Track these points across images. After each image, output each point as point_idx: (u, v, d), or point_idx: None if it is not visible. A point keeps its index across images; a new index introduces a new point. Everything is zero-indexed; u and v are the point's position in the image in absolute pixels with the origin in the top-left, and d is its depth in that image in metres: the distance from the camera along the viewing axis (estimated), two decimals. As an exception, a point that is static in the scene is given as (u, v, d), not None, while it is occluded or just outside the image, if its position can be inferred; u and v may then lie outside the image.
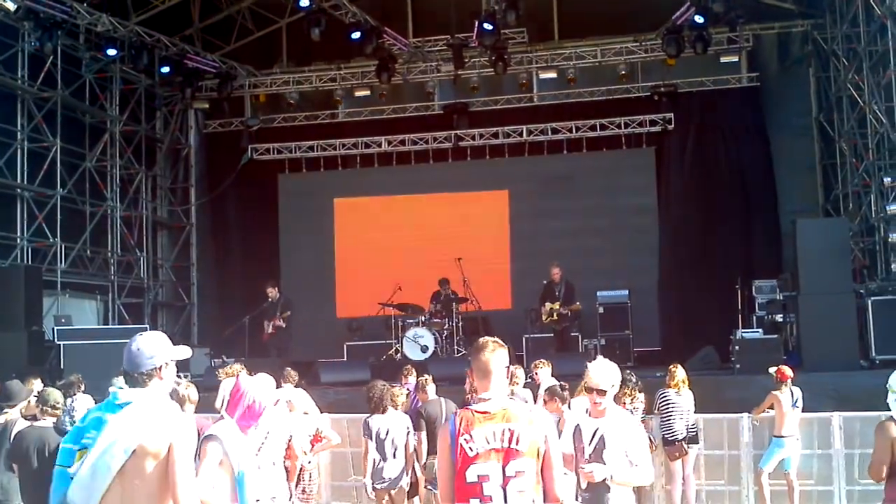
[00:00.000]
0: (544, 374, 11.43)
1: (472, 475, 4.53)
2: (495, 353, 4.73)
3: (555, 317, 17.54)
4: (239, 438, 5.67)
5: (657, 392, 11.20)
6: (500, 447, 4.55)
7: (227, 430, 5.59)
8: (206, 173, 23.78)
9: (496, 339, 4.84)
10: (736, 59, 21.01)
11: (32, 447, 7.92)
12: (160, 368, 4.61)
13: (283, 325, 17.68)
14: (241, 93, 23.09)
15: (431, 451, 9.94)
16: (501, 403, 4.68)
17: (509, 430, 4.57)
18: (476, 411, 4.65)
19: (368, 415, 9.40)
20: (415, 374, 11.98)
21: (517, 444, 4.55)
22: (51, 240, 18.51)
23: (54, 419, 8.25)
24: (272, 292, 17.99)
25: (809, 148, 20.57)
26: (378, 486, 9.17)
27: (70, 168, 19.33)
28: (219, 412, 5.95)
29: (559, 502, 4.63)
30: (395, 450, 9.19)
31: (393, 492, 9.21)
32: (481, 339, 4.86)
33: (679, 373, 11.20)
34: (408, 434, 9.40)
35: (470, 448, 4.55)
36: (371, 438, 9.24)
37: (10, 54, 17.79)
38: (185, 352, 4.82)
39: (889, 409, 6.27)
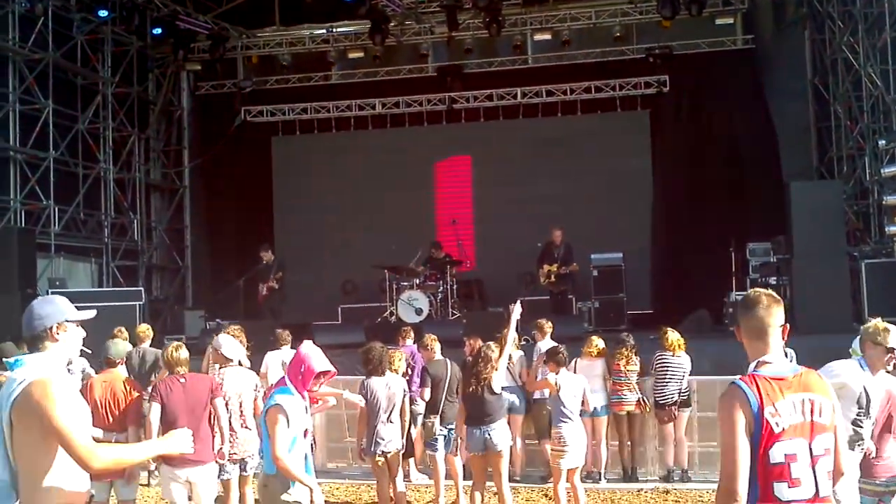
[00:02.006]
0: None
1: (778, 455, 3.88)
2: (770, 309, 4.11)
3: (552, 279, 17.58)
4: (299, 406, 6.12)
5: (655, 354, 11.26)
6: (803, 421, 3.93)
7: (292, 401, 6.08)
8: (199, 135, 23.71)
9: (770, 292, 4.22)
10: (731, 21, 20.97)
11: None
12: (51, 330, 4.35)
13: (276, 287, 17.72)
14: (233, 54, 22.98)
15: (431, 410, 10.00)
16: (790, 368, 4.08)
17: (809, 399, 3.96)
18: (770, 378, 3.99)
19: (365, 377, 9.39)
20: (412, 335, 12.02)
21: (820, 415, 3.96)
22: (44, 202, 18.45)
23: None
24: (266, 255, 18.02)
25: (804, 111, 20.50)
26: (374, 449, 9.20)
27: (63, 130, 19.22)
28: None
29: (843, 475, 4.14)
30: (391, 412, 9.22)
31: (389, 454, 9.24)
32: (752, 293, 4.22)
33: (672, 335, 11.26)
34: (404, 396, 9.43)
35: (776, 423, 3.88)
36: (367, 401, 9.25)
37: (1, 16, 17.61)
38: (83, 313, 4.55)
39: None
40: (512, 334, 9.28)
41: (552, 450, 9.42)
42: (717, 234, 19.46)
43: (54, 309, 4.43)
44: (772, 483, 3.88)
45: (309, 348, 6.46)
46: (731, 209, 20.26)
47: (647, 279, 20.52)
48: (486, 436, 8.77)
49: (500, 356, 8.97)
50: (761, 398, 3.91)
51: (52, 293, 16.36)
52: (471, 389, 8.91)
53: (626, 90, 21.35)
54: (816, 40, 20.28)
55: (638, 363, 11.33)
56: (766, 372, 4.01)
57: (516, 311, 9.18)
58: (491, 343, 9.16)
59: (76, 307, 4.54)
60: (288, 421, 6.01)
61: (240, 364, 8.98)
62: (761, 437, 3.89)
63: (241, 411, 8.54)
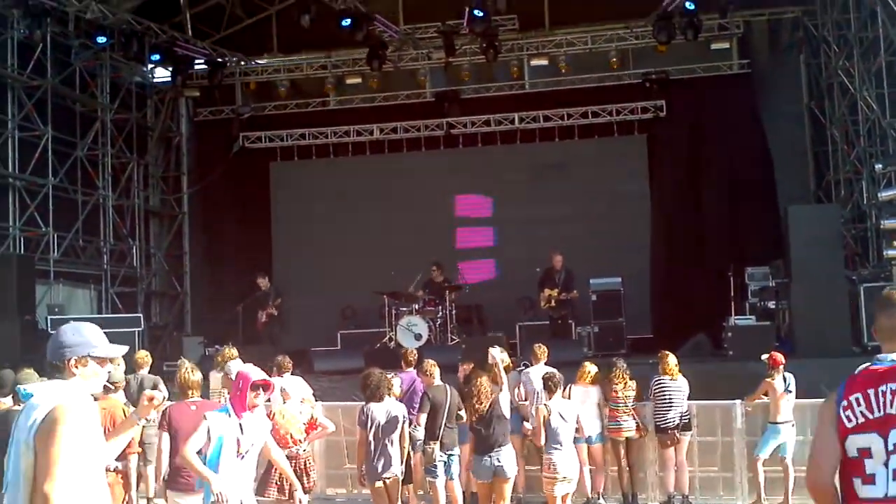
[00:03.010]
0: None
1: (851, 448, 3.74)
2: None
3: (553, 304, 17.58)
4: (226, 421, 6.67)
5: (652, 379, 11.25)
6: (882, 414, 3.71)
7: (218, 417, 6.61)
8: (197, 162, 23.75)
9: None
10: (727, 45, 21.06)
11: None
12: (69, 362, 4.21)
13: (275, 314, 17.75)
14: (231, 81, 23.02)
15: (430, 437, 9.98)
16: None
17: (892, 390, 3.71)
18: (871, 370, 3.83)
19: (364, 403, 9.38)
20: (416, 357, 12.00)
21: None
22: (43, 229, 18.45)
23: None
24: (263, 282, 18.08)
25: (801, 135, 20.58)
26: (374, 476, 9.18)
27: (61, 157, 19.25)
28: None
29: None
30: (391, 437, 9.19)
31: (388, 480, 9.22)
32: (890, 292, 4.02)
33: (671, 359, 11.27)
34: (403, 422, 9.41)
35: (847, 417, 3.76)
36: (366, 427, 9.23)
37: None
38: (112, 348, 4.39)
39: None
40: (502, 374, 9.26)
41: (545, 477, 9.37)
42: (715, 258, 19.53)
43: (80, 340, 4.27)
44: (851, 479, 3.73)
45: (243, 366, 7.02)
46: (730, 233, 20.31)
47: (647, 303, 20.48)
48: (497, 463, 8.79)
49: (498, 383, 9.00)
50: (846, 391, 3.79)
51: (51, 319, 16.40)
52: (475, 418, 8.92)
53: (623, 115, 21.40)
54: (812, 64, 20.39)
55: (634, 388, 11.31)
56: (873, 365, 3.85)
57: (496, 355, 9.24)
58: (483, 378, 9.12)
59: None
60: (209, 432, 6.51)
61: None
62: (837, 430, 3.76)
63: None
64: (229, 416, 6.56)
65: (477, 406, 8.88)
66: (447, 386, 10.31)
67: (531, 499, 11.46)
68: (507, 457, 8.83)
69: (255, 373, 6.77)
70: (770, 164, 20.26)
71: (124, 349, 4.53)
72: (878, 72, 16.51)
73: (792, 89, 20.65)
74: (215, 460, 6.46)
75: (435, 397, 9.96)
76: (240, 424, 6.53)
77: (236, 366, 8.88)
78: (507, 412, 8.94)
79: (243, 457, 6.55)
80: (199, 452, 6.54)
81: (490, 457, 8.78)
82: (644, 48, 21.19)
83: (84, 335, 4.29)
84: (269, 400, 7.37)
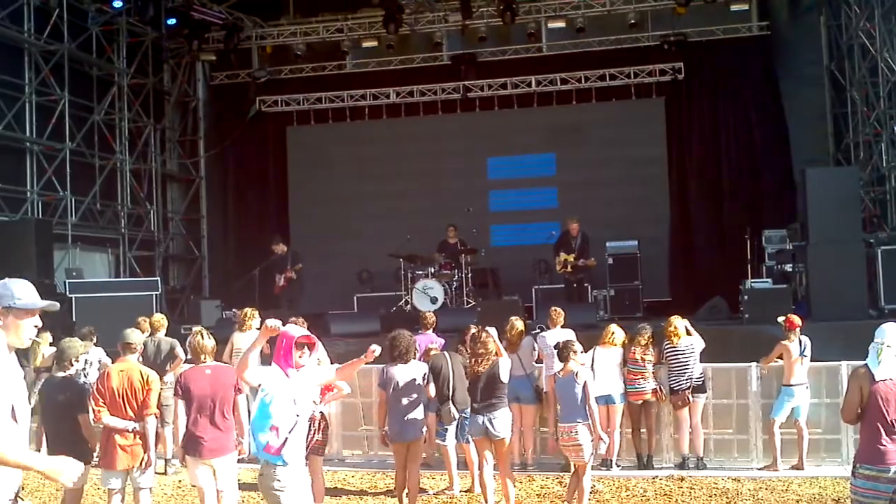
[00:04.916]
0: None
1: None
2: None
3: (569, 268, 17.57)
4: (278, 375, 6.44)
5: (663, 343, 11.26)
6: None
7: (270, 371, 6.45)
8: (214, 126, 23.79)
9: None
10: (746, 7, 20.84)
11: (50, 397, 8.09)
12: None
13: (295, 278, 17.85)
14: (247, 44, 22.97)
15: (442, 400, 10.02)
16: None
17: None
18: None
19: (388, 364, 9.39)
20: (434, 321, 12.08)
21: None
22: (61, 193, 18.54)
23: (70, 371, 8.39)
24: (278, 247, 18.14)
25: (820, 97, 20.42)
26: (396, 436, 9.25)
27: (78, 121, 19.30)
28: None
29: None
30: (415, 399, 9.24)
31: (411, 442, 9.27)
32: None
33: (676, 322, 11.25)
34: (428, 383, 9.46)
35: None
36: (389, 388, 9.27)
37: (16, 7, 17.65)
38: (39, 304, 4.29)
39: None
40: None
41: (562, 446, 9.25)
42: (733, 221, 19.51)
43: (2, 293, 4.23)
44: None
45: (286, 327, 6.60)
46: (747, 196, 20.24)
47: (664, 267, 20.48)
48: (488, 423, 8.84)
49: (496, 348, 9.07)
50: None
51: (69, 283, 16.53)
52: (471, 377, 9.03)
53: (640, 77, 21.26)
54: (832, 26, 20.19)
55: (652, 353, 11.30)
56: None
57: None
58: (486, 339, 9.14)
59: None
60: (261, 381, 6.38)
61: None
62: None
63: None
64: (272, 367, 6.40)
65: (475, 367, 8.96)
66: (444, 353, 10.40)
67: (545, 460, 11.51)
68: (500, 419, 8.88)
69: (297, 330, 6.54)
70: (789, 126, 20.12)
71: (52, 305, 4.38)
72: (900, 33, 16.35)
73: (812, 51, 20.48)
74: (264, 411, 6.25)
75: (434, 364, 10.00)
76: (292, 386, 6.31)
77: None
78: (505, 378, 8.97)
79: (298, 417, 6.31)
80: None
81: (483, 416, 8.86)
82: (663, 10, 21.03)
83: (9, 288, 4.24)
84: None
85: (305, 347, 6.44)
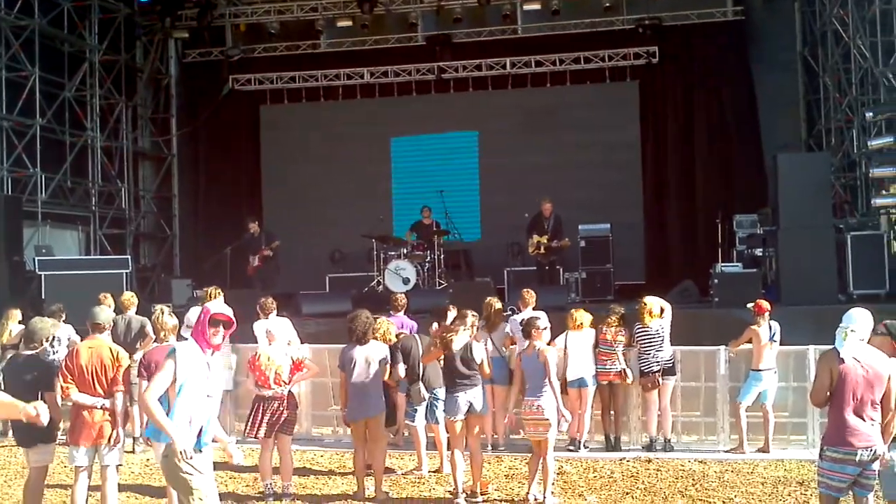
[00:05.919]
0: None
1: None
2: None
3: (542, 250, 17.60)
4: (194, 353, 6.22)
5: (634, 325, 11.31)
6: None
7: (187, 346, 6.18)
8: (186, 104, 23.61)
9: None
10: (721, -9, 20.86)
11: (15, 375, 8.02)
12: None
13: (271, 255, 17.80)
14: (221, 22, 22.81)
15: (412, 381, 10.05)
16: None
17: None
18: None
19: (348, 345, 9.40)
20: (405, 303, 12.07)
21: None
22: (31, 170, 18.37)
23: (38, 349, 8.33)
24: (253, 226, 18.08)
25: (793, 83, 20.50)
26: (353, 415, 9.27)
27: (49, 98, 19.13)
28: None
29: None
30: (373, 378, 9.24)
31: (369, 419, 9.27)
32: None
33: (649, 304, 11.28)
34: (385, 363, 9.45)
35: None
36: (346, 368, 9.28)
37: (-14, -18, 17.50)
38: None
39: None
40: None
41: (525, 420, 9.28)
42: (704, 205, 19.64)
43: None
44: None
45: (211, 303, 6.55)
46: (720, 180, 20.32)
47: (637, 250, 20.54)
48: (472, 400, 8.90)
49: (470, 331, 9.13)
50: None
51: (39, 260, 16.42)
52: (446, 357, 9.07)
53: (615, 61, 21.27)
54: (806, 12, 20.27)
55: (624, 334, 11.35)
56: None
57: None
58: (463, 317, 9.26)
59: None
60: (175, 366, 6.10)
61: None
62: None
63: None
64: (189, 343, 6.28)
65: (450, 346, 9.01)
66: (415, 335, 10.51)
67: (514, 441, 11.55)
68: (475, 395, 8.96)
69: (216, 306, 6.39)
70: (761, 112, 20.20)
71: None
72: (873, 20, 16.41)
73: (785, 37, 20.55)
74: (178, 391, 6.11)
75: (404, 344, 10.03)
76: (206, 363, 6.21)
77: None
78: (478, 357, 9.01)
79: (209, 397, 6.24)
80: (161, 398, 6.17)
81: (459, 395, 8.91)
82: (638, -7, 21.01)
83: None
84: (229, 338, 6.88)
85: (221, 326, 6.24)
